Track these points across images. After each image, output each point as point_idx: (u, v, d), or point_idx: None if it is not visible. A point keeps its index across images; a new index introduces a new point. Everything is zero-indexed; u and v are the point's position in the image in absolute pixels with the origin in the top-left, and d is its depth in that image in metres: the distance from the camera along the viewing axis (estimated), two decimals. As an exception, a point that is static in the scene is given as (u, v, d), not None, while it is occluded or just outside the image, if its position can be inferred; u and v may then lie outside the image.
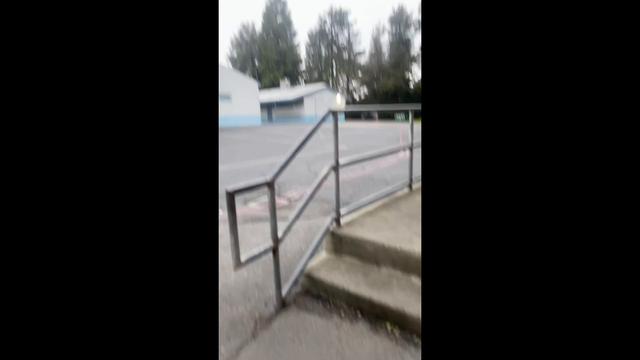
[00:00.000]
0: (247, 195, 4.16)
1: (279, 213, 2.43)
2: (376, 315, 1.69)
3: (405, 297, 1.68)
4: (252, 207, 3.85)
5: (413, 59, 45.04)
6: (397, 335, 1.58)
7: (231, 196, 1.48)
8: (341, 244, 2.16)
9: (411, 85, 44.23)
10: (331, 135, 2.05)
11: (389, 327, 1.63)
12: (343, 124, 27.05)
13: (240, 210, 3.66)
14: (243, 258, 1.57)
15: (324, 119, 1.96)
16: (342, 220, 2.28)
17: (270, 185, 1.68)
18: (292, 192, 4.50)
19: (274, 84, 42.05)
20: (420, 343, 1.51)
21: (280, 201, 4.04)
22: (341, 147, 2.21)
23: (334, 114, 2.00)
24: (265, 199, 4.03)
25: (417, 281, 1.83)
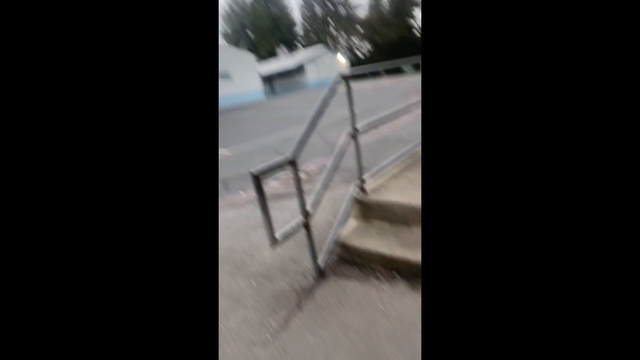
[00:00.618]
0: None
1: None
2: (414, 274, 1.73)
3: (441, 253, 1.70)
4: (272, 185, 3.90)
5: (415, 4, 41.83)
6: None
7: (257, 178, 1.49)
8: (369, 210, 2.17)
9: (416, 33, 41.50)
10: (338, 100, 1.97)
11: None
12: (349, 85, 26.10)
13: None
14: (277, 236, 1.61)
15: (334, 87, 1.88)
16: (367, 187, 2.27)
17: (292, 163, 1.67)
18: (309, 165, 4.50)
19: (271, 54, 40.49)
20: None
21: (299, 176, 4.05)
22: (353, 111, 2.17)
23: (346, 79, 1.91)
24: (282, 175, 4.06)
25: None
